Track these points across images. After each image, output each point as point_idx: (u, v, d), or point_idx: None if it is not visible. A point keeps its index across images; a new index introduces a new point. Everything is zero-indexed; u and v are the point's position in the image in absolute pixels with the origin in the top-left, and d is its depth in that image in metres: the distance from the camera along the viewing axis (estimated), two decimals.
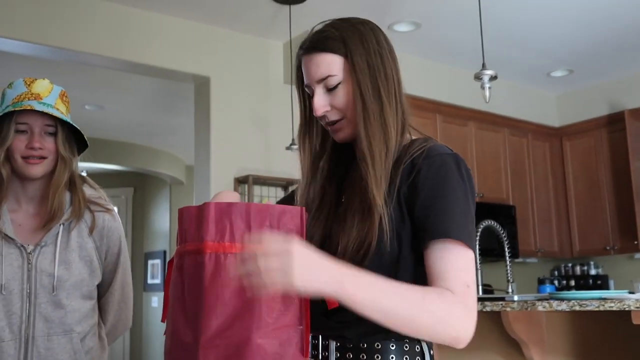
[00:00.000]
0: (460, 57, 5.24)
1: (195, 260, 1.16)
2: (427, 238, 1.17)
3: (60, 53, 4.06)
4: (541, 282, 5.80)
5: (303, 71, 1.32)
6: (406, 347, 1.22)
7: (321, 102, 1.29)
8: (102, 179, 8.28)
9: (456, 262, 1.15)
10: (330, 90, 1.29)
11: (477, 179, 5.50)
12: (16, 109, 1.68)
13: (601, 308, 2.35)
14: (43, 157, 1.73)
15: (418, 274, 1.21)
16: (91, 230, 1.81)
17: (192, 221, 1.19)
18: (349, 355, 1.23)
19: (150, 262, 8.35)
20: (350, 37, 1.28)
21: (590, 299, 2.42)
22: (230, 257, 1.14)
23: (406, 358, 1.22)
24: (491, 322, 2.93)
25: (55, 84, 1.81)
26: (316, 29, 1.32)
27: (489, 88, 3.26)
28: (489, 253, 5.12)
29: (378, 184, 1.21)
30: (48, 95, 1.76)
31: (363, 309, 1.07)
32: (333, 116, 1.30)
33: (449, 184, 1.21)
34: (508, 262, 3.32)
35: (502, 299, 2.72)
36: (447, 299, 1.12)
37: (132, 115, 6.44)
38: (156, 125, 6.80)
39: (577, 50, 5.22)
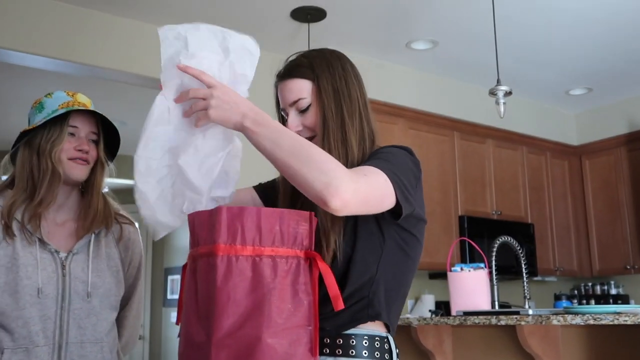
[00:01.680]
0: (478, 75, 5.27)
1: (208, 262, 1.20)
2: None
3: (84, 69, 4.15)
4: (558, 297, 5.76)
5: (279, 96, 1.49)
6: (377, 344, 1.34)
7: (294, 123, 1.44)
8: (124, 194, 8.31)
9: (365, 168, 1.27)
10: (301, 111, 1.44)
11: (495, 197, 5.50)
12: (74, 109, 1.73)
13: (615, 322, 2.35)
14: (87, 161, 1.77)
15: (391, 256, 1.36)
16: (118, 241, 1.84)
17: (204, 225, 1.24)
18: (326, 350, 1.32)
19: (170, 277, 8.40)
20: (318, 64, 1.45)
21: (604, 313, 2.41)
22: (242, 260, 1.18)
23: (377, 354, 1.33)
24: (506, 336, 2.92)
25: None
26: (290, 58, 1.50)
27: (504, 104, 3.29)
28: (507, 271, 5.11)
29: None
30: (91, 106, 1.83)
31: (261, 140, 1.24)
32: (304, 134, 1.43)
33: (384, 152, 1.36)
34: (525, 278, 3.31)
35: (517, 312, 2.72)
36: (335, 160, 1.23)
37: None
38: None
39: (596, 68, 5.23)
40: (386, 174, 1.26)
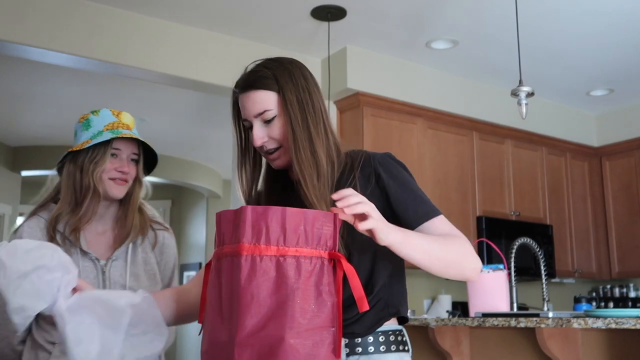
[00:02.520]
0: (498, 75, 5.24)
1: (232, 262, 1.20)
2: (415, 223, 1.42)
3: (105, 66, 4.18)
4: (577, 300, 5.71)
5: (240, 107, 1.50)
6: (392, 337, 1.44)
7: (259, 134, 1.46)
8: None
9: (446, 224, 1.45)
10: (266, 122, 1.46)
11: (514, 197, 5.46)
12: (118, 135, 1.86)
13: (638, 326, 2.33)
14: (126, 181, 1.92)
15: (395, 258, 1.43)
16: (153, 247, 1.99)
17: (229, 224, 1.24)
18: (358, 350, 1.40)
19: (185, 273, 8.45)
20: (281, 75, 1.46)
21: (627, 317, 2.39)
22: (266, 259, 1.18)
23: (392, 347, 1.44)
24: (525, 339, 2.91)
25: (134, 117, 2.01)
26: (249, 69, 1.51)
27: (526, 104, 3.26)
28: (525, 272, 5.08)
29: (314, 203, 1.37)
30: (134, 127, 1.96)
31: (413, 251, 1.31)
32: (270, 145, 1.47)
33: (404, 177, 1.47)
34: (544, 280, 3.29)
35: (537, 315, 2.70)
36: (459, 239, 1.41)
37: (172, 128, 6.57)
38: (195, 139, 6.92)
39: (617, 69, 5.17)
40: (438, 214, 1.46)
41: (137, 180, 1.95)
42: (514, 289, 3.30)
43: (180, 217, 8.70)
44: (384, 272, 1.44)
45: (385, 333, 1.43)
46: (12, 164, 7.18)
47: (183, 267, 8.49)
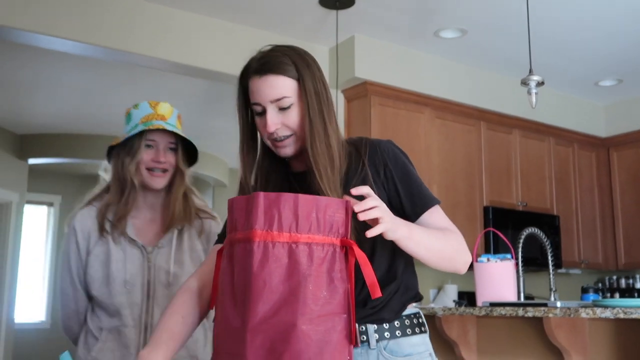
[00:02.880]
0: (506, 64, 5.21)
1: (245, 248, 1.21)
2: (415, 215, 1.46)
3: (111, 53, 4.17)
4: (585, 290, 5.71)
5: (253, 90, 1.44)
6: (415, 320, 1.49)
7: (274, 120, 1.42)
8: None
9: (444, 217, 1.50)
10: (282, 109, 1.42)
11: (521, 188, 5.45)
12: (148, 127, 1.93)
13: None
14: (165, 170, 1.98)
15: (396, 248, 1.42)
16: (199, 234, 2.05)
17: (241, 210, 1.24)
18: (387, 335, 1.43)
19: None
20: (300, 63, 1.44)
21: (635, 307, 2.39)
22: (278, 246, 1.18)
23: (422, 328, 1.50)
24: (532, 329, 2.91)
25: (174, 108, 2.05)
26: (265, 52, 1.46)
27: (536, 94, 3.24)
28: (532, 262, 5.07)
29: (328, 194, 1.37)
30: (170, 116, 2.01)
31: (415, 246, 1.35)
32: (282, 132, 1.43)
33: (406, 167, 1.50)
34: (551, 270, 3.29)
35: (545, 304, 2.70)
36: (454, 235, 1.46)
37: None
38: (201, 127, 6.92)
39: (626, 59, 5.14)
40: (437, 203, 1.50)
41: (178, 170, 2.00)
42: (521, 279, 3.30)
43: None
44: (402, 258, 1.47)
45: (408, 317, 1.48)
46: (19, 152, 7.19)
47: None
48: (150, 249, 1.97)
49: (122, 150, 1.98)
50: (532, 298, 4.95)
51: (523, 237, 3.30)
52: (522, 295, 3.30)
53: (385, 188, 1.47)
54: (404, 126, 4.76)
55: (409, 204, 1.46)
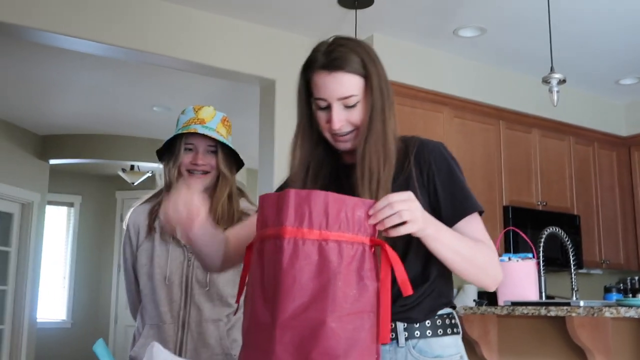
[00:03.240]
0: (526, 63, 5.19)
1: (275, 245, 1.21)
2: (453, 221, 1.42)
3: (128, 53, 4.21)
4: (608, 290, 5.64)
5: (318, 85, 1.42)
6: (447, 321, 1.47)
7: (340, 117, 1.42)
8: None
9: (482, 228, 1.46)
10: (348, 107, 1.42)
11: (541, 187, 5.42)
12: (183, 132, 2.01)
13: None
14: (206, 172, 2.04)
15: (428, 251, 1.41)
16: None
17: (272, 207, 1.25)
18: (417, 334, 1.43)
19: None
20: (367, 60, 1.42)
21: None
22: (308, 243, 1.19)
23: (455, 329, 1.48)
24: (555, 328, 2.89)
25: (218, 111, 2.11)
26: (333, 46, 1.43)
27: (557, 92, 3.22)
28: (552, 262, 5.03)
29: (365, 193, 1.37)
30: (211, 120, 2.06)
31: (443, 247, 1.33)
32: (346, 128, 1.43)
33: (452, 169, 1.48)
34: (573, 270, 3.26)
35: (568, 304, 2.68)
36: (488, 249, 1.42)
37: None
38: None
39: None
40: (479, 212, 1.48)
41: (220, 172, 2.05)
42: (542, 279, 3.28)
43: None
44: (438, 263, 1.43)
45: (440, 317, 1.46)
46: (40, 153, 7.27)
47: None
48: (191, 249, 1.98)
49: (166, 155, 2.08)
50: (553, 298, 4.91)
51: (544, 236, 3.28)
52: (543, 295, 3.28)
53: (427, 189, 1.45)
54: (422, 125, 4.75)
55: (448, 208, 1.44)
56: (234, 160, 2.11)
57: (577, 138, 5.78)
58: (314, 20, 4.43)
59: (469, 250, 1.37)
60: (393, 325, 1.42)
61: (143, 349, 1.95)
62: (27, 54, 4.94)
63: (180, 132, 2.02)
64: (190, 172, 2.03)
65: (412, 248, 1.42)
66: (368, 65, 1.41)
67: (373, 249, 1.24)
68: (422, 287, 1.44)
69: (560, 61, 4.91)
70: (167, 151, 2.07)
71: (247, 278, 1.33)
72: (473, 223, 1.44)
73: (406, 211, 1.24)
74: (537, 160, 5.45)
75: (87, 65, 5.14)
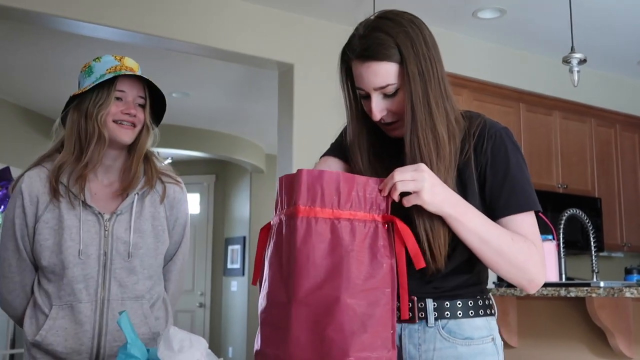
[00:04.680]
0: (546, 44, 5.13)
1: (289, 224, 1.23)
2: (506, 212, 1.35)
3: (148, 40, 4.22)
4: (628, 271, 5.60)
5: (356, 74, 1.38)
6: (488, 302, 1.43)
7: (378, 107, 1.37)
8: (186, 165, 8.53)
9: (532, 227, 1.36)
10: (387, 96, 1.36)
11: (562, 170, 5.38)
12: (121, 74, 1.76)
13: None
14: (134, 125, 1.81)
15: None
16: (162, 200, 1.88)
17: (288, 187, 1.26)
18: (447, 314, 1.38)
19: (230, 247, 8.57)
20: (403, 43, 1.33)
21: None
22: (321, 222, 1.21)
23: (488, 311, 1.43)
24: (575, 309, 2.88)
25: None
26: (367, 32, 1.35)
27: (578, 72, 3.19)
28: (572, 245, 5.01)
29: None
30: (138, 70, 1.85)
31: (466, 231, 1.29)
32: (389, 118, 1.39)
33: (509, 159, 1.37)
34: (593, 252, 3.24)
35: (588, 284, 2.67)
36: (530, 246, 1.33)
37: (216, 103, 6.62)
38: (238, 113, 6.96)
39: None
40: (534, 209, 1.37)
41: (145, 127, 1.85)
42: (562, 260, 3.27)
43: (224, 192, 8.80)
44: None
45: (473, 297, 1.41)
46: None
47: (228, 241, 8.61)
48: (107, 217, 1.78)
49: (83, 102, 1.79)
50: (573, 280, 4.89)
51: (564, 218, 3.26)
52: (563, 277, 3.26)
53: (479, 177, 1.38)
54: None
55: (497, 200, 1.35)
56: (154, 118, 1.92)
57: (598, 120, 5.72)
58: (331, 3, 4.42)
59: (500, 241, 1.29)
60: (422, 304, 1.39)
61: (52, 332, 1.72)
62: (49, 42, 4.98)
63: (110, 75, 1.76)
64: (118, 122, 1.79)
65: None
66: (404, 50, 1.32)
67: (387, 226, 1.25)
68: (463, 277, 1.40)
69: (581, 42, 4.85)
70: (83, 100, 1.79)
71: (263, 258, 1.33)
72: (523, 221, 1.34)
73: (411, 182, 1.24)
74: (558, 142, 5.41)
75: (107, 51, 5.17)
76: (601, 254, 5.62)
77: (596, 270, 3.21)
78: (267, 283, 1.29)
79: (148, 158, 1.88)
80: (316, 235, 1.20)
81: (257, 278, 1.37)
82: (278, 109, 4.79)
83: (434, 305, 1.39)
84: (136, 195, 1.83)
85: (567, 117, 5.50)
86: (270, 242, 1.31)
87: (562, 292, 2.67)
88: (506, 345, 3.11)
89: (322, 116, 4.55)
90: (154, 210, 1.86)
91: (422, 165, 1.26)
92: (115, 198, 1.82)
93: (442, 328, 1.38)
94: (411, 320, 1.38)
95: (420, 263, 1.24)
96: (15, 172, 4.16)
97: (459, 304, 1.39)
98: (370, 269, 1.21)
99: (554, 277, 3.17)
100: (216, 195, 8.77)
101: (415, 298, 1.38)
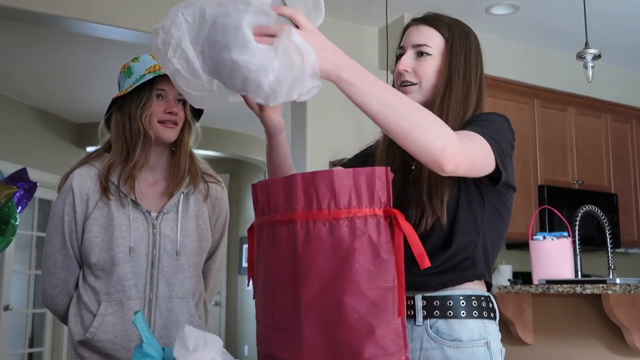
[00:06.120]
0: (560, 40, 5.10)
1: (288, 230, 1.21)
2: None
3: None
4: None
5: (404, 36, 1.51)
6: (474, 303, 1.37)
7: (407, 62, 1.46)
8: (210, 164, 8.54)
9: (469, 134, 1.27)
10: (419, 55, 1.45)
11: (577, 165, 5.34)
12: (161, 73, 1.76)
13: None
14: (176, 123, 1.83)
15: (489, 217, 1.39)
16: (205, 199, 1.90)
17: (280, 192, 1.24)
18: (436, 313, 1.35)
19: (244, 246, 8.60)
20: (456, 30, 1.47)
21: None
22: (319, 224, 1.17)
23: (484, 313, 1.37)
24: (591, 307, 2.87)
25: None
26: (432, 13, 1.51)
27: (592, 67, 3.17)
28: (589, 242, 4.97)
29: None
30: None
31: (361, 94, 1.16)
32: (410, 78, 1.45)
33: (487, 118, 1.36)
34: (609, 248, 3.22)
35: (604, 281, 2.66)
36: (445, 124, 1.22)
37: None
38: (249, 110, 6.97)
39: None
40: (488, 141, 1.28)
41: (187, 124, 1.86)
42: (578, 257, 3.25)
43: (239, 191, 8.83)
44: (483, 236, 1.37)
45: (467, 297, 1.36)
46: (76, 141, 7.40)
47: (242, 240, 8.64)
48: (154, 215, 1.81)
49: (126, 104, 1.81)
50: (589, 277, 4.86)
51: (580, 214, 3.24)
52: (579, 274, 3.25)
53: None
54: None
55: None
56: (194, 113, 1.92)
57: (614, 115, 5.67)
58: (344, 2, 4.41)
59: (405, 104, 1.18)
60: (411, 301, 1.36)
61: (101, 329, 1.73)
62: (62, 43, 5.03)
63: (151, 75, 1.77)
64: (161, 122, 1.80)
65: (460, 220, 1.36)
66: (455, 33, 1.46)
67: (389, 220, 1.18)
68: (444, 255, 1.36)
69: (595, 37, 4.81)
70: (125, 101, 1.82)
71: (255, 261, 1.32)
72: (469, 134, 1.29)
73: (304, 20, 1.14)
74: (573, 138, 5.38)
75: (121, 52, 5.21)
76: (617, 250, 5.58)
77: (612, 267, 3.19)
78: (267, 288, 1.27)
79: (192, 157, 1.90)
80: (315, 239, 1.17)
81: (250, 278, 1.36)
82: (291, 107, 4.80)
83: (423, 303, 1.36)
84: (182, 194, 1.85)
85: (582, 112, 5.47)
86: (259, 244, 1.29)
87: (578, 289, 2.66)
88: (522, 342, 3.10)
89: (335, 116, 4.56)
90: (198, 209, 1.88)
91: (309, 29, 1.15)
92: (162, 196, 1.85)
93: (430, 327, 1.35)
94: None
95: (425, 263, 1.15)
96: (32, 174, 4.20)
97: (450, 303, 1.34)
98: (374, 268, 1.15)
99: (569, 275, 3.15)
100: (230, 194, 8.75)
101: (416, 296, 1.37)
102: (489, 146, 1.27)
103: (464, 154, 1.20)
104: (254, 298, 1.33)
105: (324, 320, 1.16)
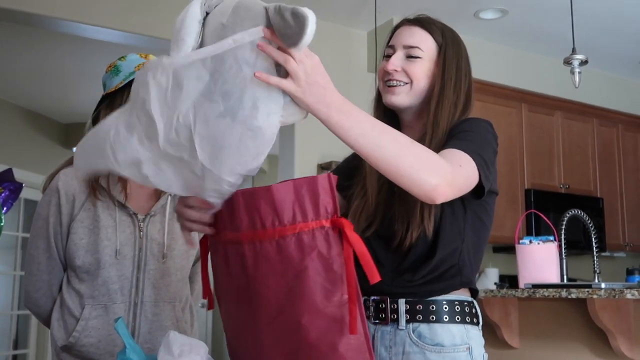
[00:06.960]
0: (548, 44, 5.13)
1: (237, 251, 1.17)
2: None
3: (150, 41, 4.22)
4: (630, 272, 5.60)
5: (394, 35, 1.49)
6: (457, 308, 1.37)
7: (397, 62, 1.44)
8: None
9: (457, 155, 1.26)
10: (410, 58, 1.43)
11: (563, 170, 5.38)
12: None
13: None
14: None
15: (472, 225, 1.39)
16: None
17: (225, 210, 1.18)
18: (419, 317, 1.34)
19: None
20: (449, 37, 1.47)
21: None
22: (266, 244, 1.12)
23: (467, 318, 1.38)
24: (576, 311, 2.88)
25: None
26: (426, 15, 1.50)
27: (579, 73, 3.19)
28: (574, 245, 5.00)
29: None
30: None
31: (350, 135, 1.12)
32: (400, 77, 1.43)
33: (471, 128, 1.36)
34: (595, 252, 3.25)
35: (589, 286, 2.68)
36: (435, 154, 1.20)
37: None
38: None
39: None
40: (473, 157, 1.27)
41: None
42: (564, 261, 3.27)
43: None
44: (467, 243, 1.37)
45: (450, 302, 1.36)
46: (63, 141, 7.35)
47: None
48: (141, 217, 1.77)
49: (114, 102, 1.76)
50: (575, 281, 4.89)
51: (566, 218, 3.26)
52: (565, 278, 3.26)
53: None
54: None
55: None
56: None
57: (600, 120, 5.71)
58: (333, 5, 4.42)
59: (392, 143, 1.14)
60: (395, 305, 1.36)
61: (84, 334, 1.69)
62: (49, 43, 5.00)
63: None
64: None
65: (445, 224, 1.36)
66: (447, 40, 1.45)
67: (337, 231, 1.10)
68: (429, 265, 1.36)
69: (582, 42, 4.83)
70: (113, 101, 1.77)
71: (207, 276, 1.30)
72: (456, 154, 1.27)
73: (294, 63, 1.07)
74: (560, 142, 5.41)
75: (109, 53, 5.17)
76: (603, 254, 5.62)
77: (598, 271, 3.21)
78: (229, 305, 1.24)
79: None
80: (265, 260, 1.11)
81: (206, 293, 1.33)
82: None
83: (406, 307, 1.36)
84: (169, 196, 1.80)
85: (569, 117, 5.50)
86: (214, 256, 1.25)
87: (563, 293, 2.67)
88: (508, 346, 3.12)
89: None
90: None
91: (316, 59, 1.10)
92: (149, 199, 1.81)
93: (413, 332, 1.35)
94: (384, 322, 1.36)
95: (375, 277, 1.08)
96: (18, 174, 4.17)
97: (433, 307, 1.34)
98: (328, 284, 1.08)
99: (555, 279, 3.17)
100: None
101: (388, 299, 1.37)
102: (474, 164, 1.27)
103: (454, 185, 1.21)
104: (207, 309, 1.30)
105: (285, 339, 1.12)
